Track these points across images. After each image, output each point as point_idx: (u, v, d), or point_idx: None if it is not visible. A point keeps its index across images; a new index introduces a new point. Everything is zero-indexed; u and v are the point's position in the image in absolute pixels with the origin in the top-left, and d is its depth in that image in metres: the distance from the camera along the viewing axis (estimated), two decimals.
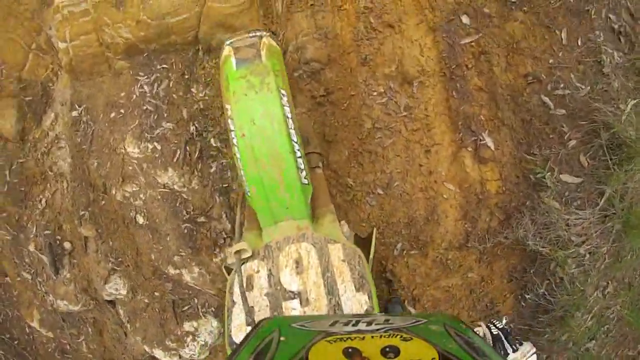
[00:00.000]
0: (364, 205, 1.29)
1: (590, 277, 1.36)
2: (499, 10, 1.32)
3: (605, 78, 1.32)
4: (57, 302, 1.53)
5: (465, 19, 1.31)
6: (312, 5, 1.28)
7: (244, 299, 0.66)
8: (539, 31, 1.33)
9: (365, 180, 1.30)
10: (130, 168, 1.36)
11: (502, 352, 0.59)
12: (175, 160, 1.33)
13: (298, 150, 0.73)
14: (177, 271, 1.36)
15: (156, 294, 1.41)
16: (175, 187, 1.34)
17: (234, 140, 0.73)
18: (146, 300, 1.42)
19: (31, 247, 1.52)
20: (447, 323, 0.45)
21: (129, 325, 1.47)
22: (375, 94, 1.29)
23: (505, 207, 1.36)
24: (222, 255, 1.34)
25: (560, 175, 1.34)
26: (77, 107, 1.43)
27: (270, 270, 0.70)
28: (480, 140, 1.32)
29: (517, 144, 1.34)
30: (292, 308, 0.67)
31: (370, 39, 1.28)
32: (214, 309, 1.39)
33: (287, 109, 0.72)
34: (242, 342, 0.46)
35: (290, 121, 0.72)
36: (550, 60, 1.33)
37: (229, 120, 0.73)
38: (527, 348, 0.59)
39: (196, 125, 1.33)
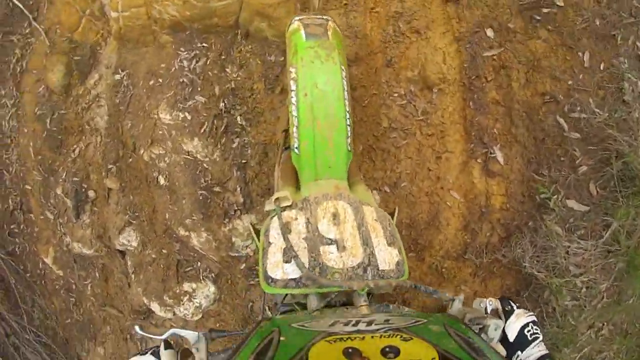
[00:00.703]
0: None
1: (585, 312, 1.32)
2: (524, 27, 1.34)
3: (626, 106, 1.29)
4: (73, 244, 1.65)
5: (489, 32, 1.34)
6: (345, 4, 1.35)
7: (285, 238, 0.69)
8: (561, 51, 1.33)
9: (374, 176, 1.34)
10: (160, 132, 1.47)
11: (509, 307, 0.64)
12: (202, 131, 1.42)
13: (349, 119, 0.82)
14: (187, 233, 1.46)
15: (164, 251, 1.50)
16: (198, 156, 1.43)
17: (293, 100, 0.81)
18: (153, 256, 1.52)
19: (58, 190, 1.65)
20: (447, 323, 0.45)
21: (133, 276, 1.57)
22: (395, 95, 1.34)
23: (507, 225, 1.35)
24: (231, 225, 1.42)
25: (567, 200, 1.32)
26: (120, 71, 1.55)
27: (308, 219, 0.72)
28: (491, 153, 1.34)
29: (527, 162, 1.35)
30: (330, 252, 0.69)
31: (397, 42, 1.33)
32: (214, 275, 1.47)
33: (345, 83, 0.82)
34: (242, 342, 0.46)
35: (347, 94, 0.82)
36: (570, 82, 1.32)
37: (291, 82, 0.82)
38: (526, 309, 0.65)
39: (225, 102, 1.42)
